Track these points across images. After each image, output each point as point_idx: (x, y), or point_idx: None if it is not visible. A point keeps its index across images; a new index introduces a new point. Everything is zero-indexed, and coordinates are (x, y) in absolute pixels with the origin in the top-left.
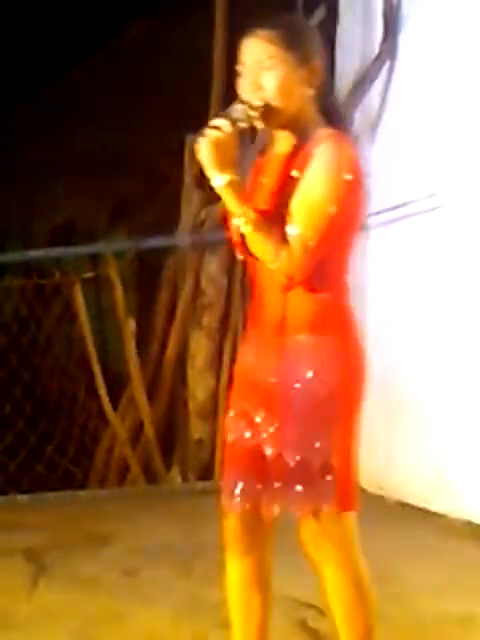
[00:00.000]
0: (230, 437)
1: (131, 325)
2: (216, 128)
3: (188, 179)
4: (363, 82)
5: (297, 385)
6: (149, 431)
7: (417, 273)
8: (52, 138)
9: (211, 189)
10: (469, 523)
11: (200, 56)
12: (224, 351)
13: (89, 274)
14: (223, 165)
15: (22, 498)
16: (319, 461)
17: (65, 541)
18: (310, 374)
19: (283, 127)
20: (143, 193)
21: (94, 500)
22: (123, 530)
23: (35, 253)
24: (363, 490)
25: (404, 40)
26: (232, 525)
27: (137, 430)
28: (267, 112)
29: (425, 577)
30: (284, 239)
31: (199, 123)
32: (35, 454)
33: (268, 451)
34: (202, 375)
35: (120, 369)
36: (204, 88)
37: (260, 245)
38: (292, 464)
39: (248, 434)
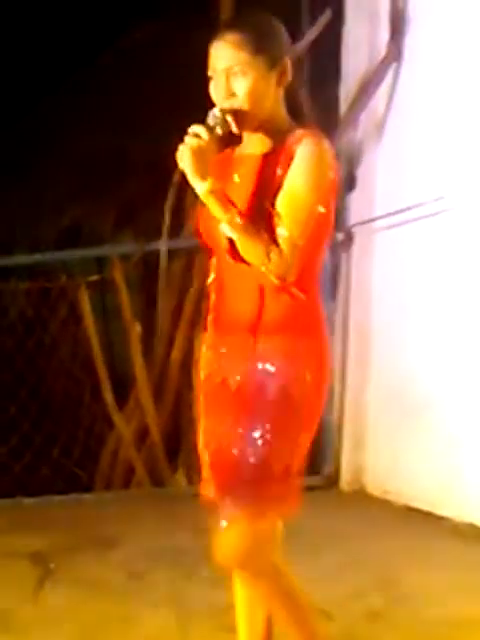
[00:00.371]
0: (205, 448)
1: (137, 328)
2: (195, 136)
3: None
4: (369, 84)
5: (271, 388)
6: (155, 434)
7: (424, 276)
8: (57, 140)
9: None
10: (474, 526)
11: (206, 58)
12: None
13: (95, 277)
14: (204, 172)
15: (27, 501)
16: (282, 464)
17: (70, 544)
18: (285, 377)
19: (257, 129)
20: (149, 195)
21: (99, 503)
22: (128, 533)
23: (41, 256)
24: (369, 493)
25: (410, 41)
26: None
27: (143, 433)
28: (241, 117)
29: (431, 580)
30: (272, 240)
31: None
32: (40, 456)
33: (232, 451)
34: None
35: (126, 371)
36: (206, 91)
37: (250, 248)
38: (252, 465)
39: (218, 442)
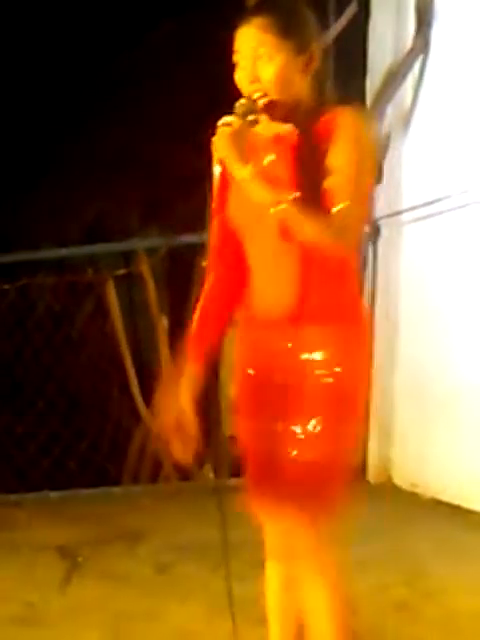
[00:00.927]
0: (247, 445)
1: (164, 322)
2: (226, 125)
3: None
4: (395, 76)
5: (320, 378)
6: None
7: (451, 268)
8: (84, 136)
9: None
10: None
11: (229, 50)
12: None
13: (122, 271)
14: (244, 158)
15: (55, 495)
16: (342, 456)
17: (98, 537)
18: (334, 366)
19: (286, 116)
20: (175, 190)
21: (127, 497)
22: (156, 526)
23: (68, 251)
24: (397, 487)
25: (437, 34)
26: (268, 530)
27: None
28: (270, 104)
29: (458, 574)
30: (325, 215)
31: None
32: (68, 451)
33: (290, 452)
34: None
35: (153, 365)
36: (233, 83)
37: (306, 224)
38: (313, 462)
39: (266, 439)
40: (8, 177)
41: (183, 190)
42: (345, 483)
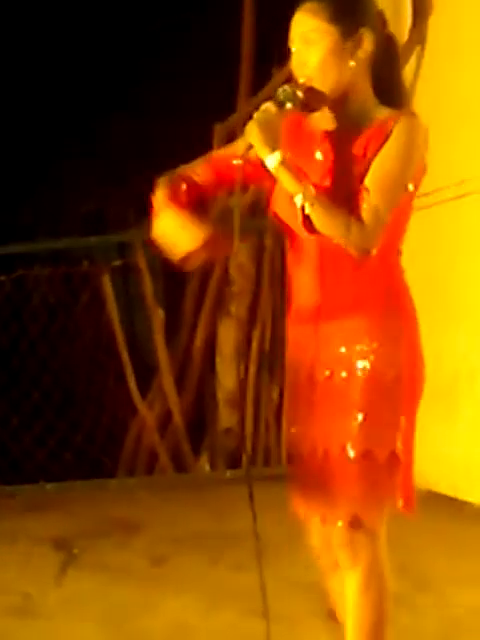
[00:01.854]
0: (297, 455)
1: (160, 314)
2: (263, 111)
3: None
4: None
5: (361, 372)
6: (178, 419)
7: (445, 260)
8: (82, 128)
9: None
10: None
11: (228, 45)
12: (253, 340)
13: (118, 262)
14: (273, 145)
15: (51, 486)
16: (385, 453)
17: (94, 529)
18: (373, 358)
19: (335, 104)
20: None
21: (123, 489)
22: (152, 519)
23: (64, 241)
24: None
25: (434, 25)
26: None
27: (166, 418)
28: (312, 91)
29: (453, 566)
30: (350, 213)
31: (228, 113)
32: (64, 443)
33: (335, 450)
34: (231, 364)
35: (149, 358)
36: (232, 79)
37: (327, 220)
38: (354, 458)
39: (312, 444)
40: (6, 169)
41: None
42: (394, 478)
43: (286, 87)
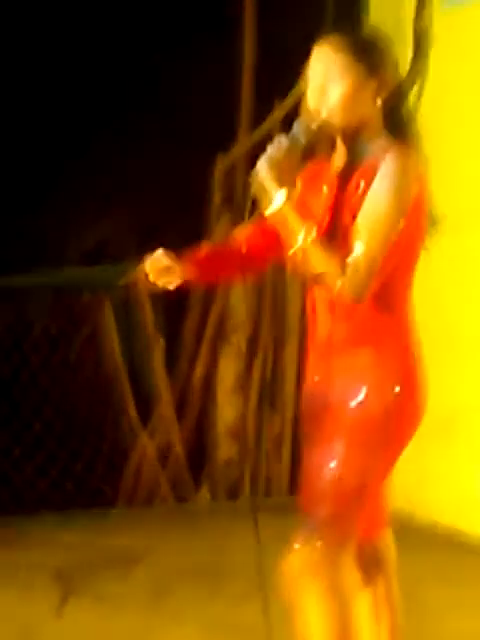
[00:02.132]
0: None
1: (160, 344)
2: (276, 145)
3: (217, 199)
4: None
5: (353, 403)
6: (178, 450)
7: (443, 291)
8: (84, 160)
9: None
10: None
11: (229, 78)
12: (253, 370)
13: (118, 294)
14: (281, 182)
15: (52, 517)
16: (356, 483)
17: (94, 560)
18: (365, 392)
19: (348, 140)
20: (172, 215)
21: (123, 519)
22: (152, 549)
23: (65, 273)
24: (394, 510)
25: (434, 60)
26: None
27: (166, 449)
28: (326, 126)
29: (455, 597)
30: (345, 256)
31: (227, 145)
32: (65, 473)
33: (315, 472)
34: (231, 394)
35: (149, 388)
36: (233, 111)
37: (322, 264)
38: (327, 481)
39: (308, 460)
40: (7, 200)
41: (181, 215)
42: (360, 508)
43: (301, 122)
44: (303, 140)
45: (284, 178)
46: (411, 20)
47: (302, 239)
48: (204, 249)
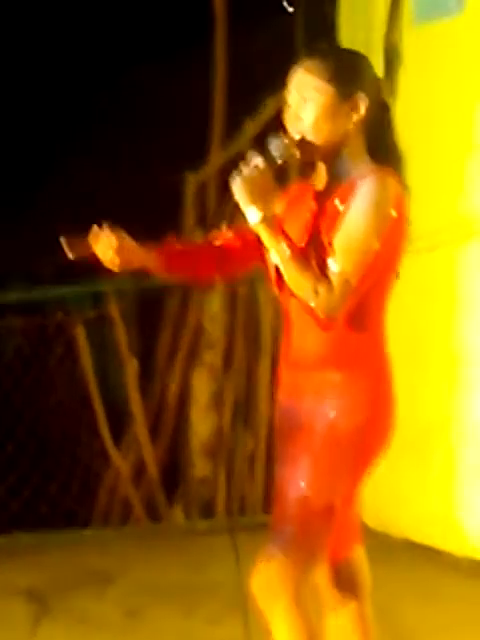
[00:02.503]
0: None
1: (133, 363)
2: (250, 165)
3: (189, 217)
4: None
5: (322, 422)
6: (152, 469)
7: (418, 308)
8: (53, 178)
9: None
10: (474, 561)
11: (199, 96)
12: (227, 389)
13: (91, 313)
14: (257, 201)
15: (25, 537)
16: (322, 503)
17: (68, 580)
18: (334, 412)
19: (325, 161)
20: (145, 232)
21: (97, 539)
22: (126, 569)
23: (37, 292)
24: (367, 527)
25: (404, 77)
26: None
27: (140, 468)
28: (303, 145)
29: (430, 615)
30: (322, 276)
31: (198, 162)
32: (38, 493)
33: (282, 490)
34: (205, 413)
35: (123, 407)
36: (204, 128)
37: (297, 281)
38: (292, 500)
39: (278, 483)
40: None
41: (153, 233)
42: (325, 528)
43: (276, 140)
44: (278, 159)
45: (258, 197)
46: (381, 37)
47: (277, 257)
48: (176, 242)
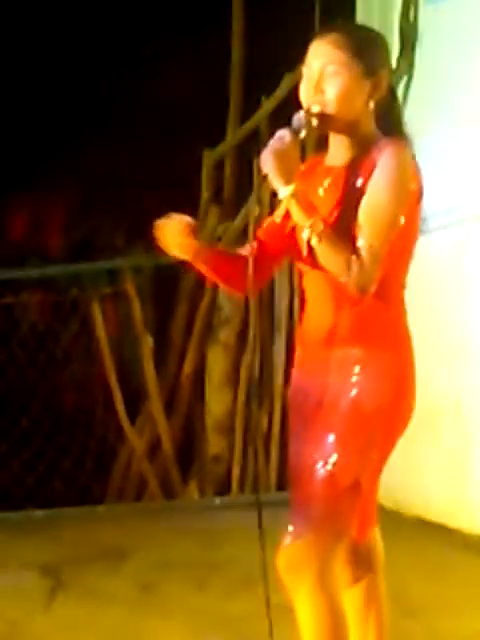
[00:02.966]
0: (289, 460)
1: (149, 340)
2: (278, 139)
3: (205, 194)
4: None
5: (346, 400)
6: (167, 446)
7: (428, 288)
8: (70, 154)
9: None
10: None
11: (216, 73)
12: (241, 366)
13: (107, 290)
14: (287, 175)
15: (40, 513)
16: (349, 480)
17: (82, 556)
18: (358, 389)
19: (342, 137)
20: (161, 208)
21: (112, 515)
22: (141, 545)
23: (53, 269)
24: (380, 505)
25: (421, 55)
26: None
27: (155, 445)
28: (326, 120)
29: (442, 593)
30: (353, 251)
31: (216, 139)
32: (53, 469)
33: (306, 469)
34: (220, 390)
35: (138, 384)
36: (221, 105)
37: (331, 257)
38: (319, 479)
39: (298, 460)
40: None
41: (168, 209)
42: (353, 505)
43: (301, 115)
44: (304, 134)
45: (289, 172)
46: (397, 14)
47: (310, 232)
48: (218, 247)
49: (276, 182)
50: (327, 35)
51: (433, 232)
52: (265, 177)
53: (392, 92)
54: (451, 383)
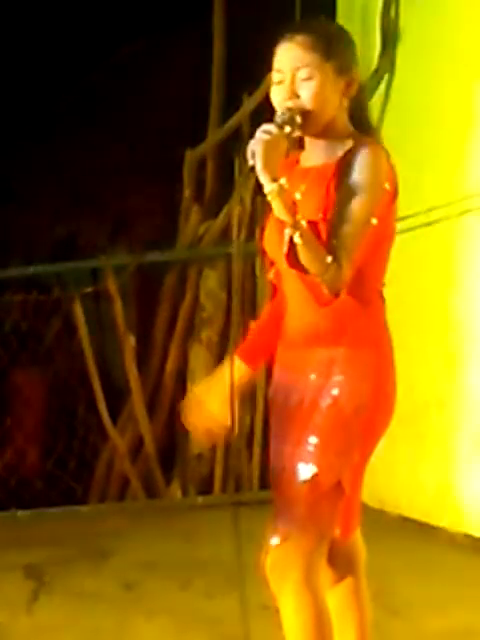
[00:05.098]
0: (271, 470)
1: (131, 339)
2: (266, 132)
3: (187, 193)
4: None
5: (326, 400)
6: (149, 445)
7: (412, 286)
8: (52, 153)
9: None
10: (470, 536)
11: (197, 72)
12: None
13: (89, 289)
14: (275, 170)
15: (22, 513)
16: (331, 481)
17: (65, 556)
18: (339, 389)
19: (319, 136)
20: (143, 207)
21: (94, 515)
22: (123, 545)
23: (35, 268)
24: (364, 504)
25: (402, 53)
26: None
27: (137, 445)
28: (307, 118)
29: (427, 591)
30: (329, 251)
31: (197, 138)
32: (35, 469)
33: (286, 469)
34: None
35: (120, 383)
36: (202, 104)
37: (311, 256)
38: (301, 480)
39: (279, 461)
40: None
41: (150, 208)
42: (336, 506)
43: (285, 110)
44: (288, 130)
45: (276, 166)
46: (379, 11)
47: (291, 231)
48: (249, 343)
49: (263, 176)
50: (294, 36)
51: (417, 230)
52: (252, 169)
53: (364, 90)
54: (435, 380)
